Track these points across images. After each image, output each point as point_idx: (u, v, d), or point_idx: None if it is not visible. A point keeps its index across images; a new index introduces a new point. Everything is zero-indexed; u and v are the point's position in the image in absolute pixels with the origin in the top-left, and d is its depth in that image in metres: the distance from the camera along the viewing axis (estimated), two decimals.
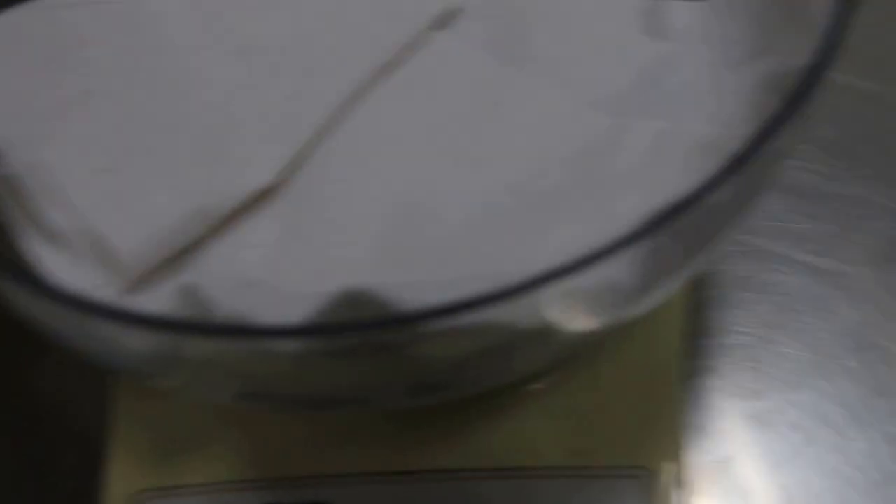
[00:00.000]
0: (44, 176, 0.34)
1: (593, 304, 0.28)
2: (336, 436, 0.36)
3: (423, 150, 0.35)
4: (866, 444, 0.38)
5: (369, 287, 0.29)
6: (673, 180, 0.33)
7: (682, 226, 0.27)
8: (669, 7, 0.37)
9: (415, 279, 0.32)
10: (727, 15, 0.37)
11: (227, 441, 0.36)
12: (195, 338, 0.26)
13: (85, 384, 0.38)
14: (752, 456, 0.38)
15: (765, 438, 0.38)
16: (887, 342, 0.40)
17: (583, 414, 0.36)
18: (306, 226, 0.34)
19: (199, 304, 0.31)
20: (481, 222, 0.33)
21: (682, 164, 0.33)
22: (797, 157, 0.43)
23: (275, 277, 0.33)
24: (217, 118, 0.35)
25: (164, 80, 0.36)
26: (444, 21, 0.37)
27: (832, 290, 0.41)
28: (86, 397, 0.39)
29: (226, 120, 0.35)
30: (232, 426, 0.36)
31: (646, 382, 0.36)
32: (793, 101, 0.28)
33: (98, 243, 0.33)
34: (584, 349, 0.35)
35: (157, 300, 0.32)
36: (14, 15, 0.37)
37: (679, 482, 0.35)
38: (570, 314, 0.28)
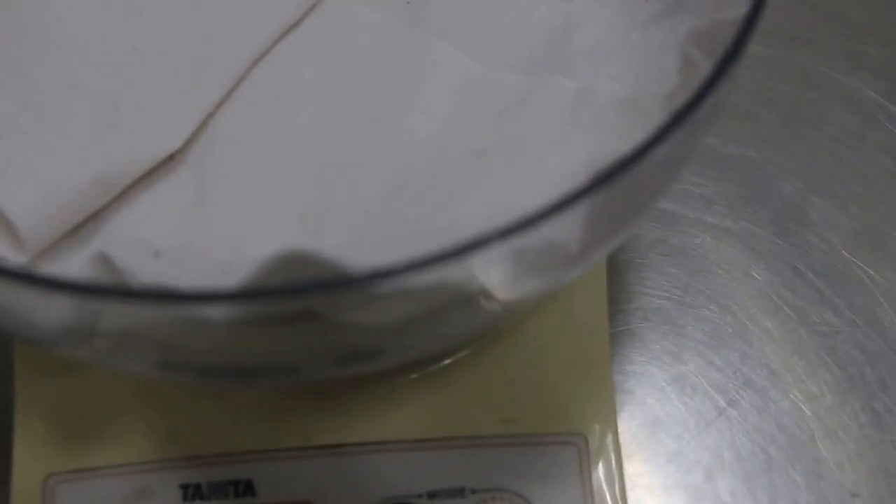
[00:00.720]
0: None
1: (537, 264, 0.27)
2: (256, 412, 0.34)
3: (334, 114, 0.33)
4: (788, 404, 0.38)
5: (309, 249, 0.27)
6: (592, 138, 0.32)
7: (630, 180, 0.26)
8: None
9: (345, 241, 0.31)
10: None
11: (140, 420, 0.34)
12: (129, 304, 0.24)
13: None
14: (677, 419, 0.38)
15: (689, 401, 0.38)
16: (802, 303, 0.40)
17: (514, 382, 0.34)
18: (219, 192, 0.32)
19: (113, 274, 0.29)
20: (402, 183, 0.32)
21: (600, 123, 0.33)
22: None
23: (193, 245, 0.31)
24: (113, 83, 0.33)
25: (53, 43, 0.33)
26: None
27: (744, 252, 0.41)
28: None
29: (122, 84, 0.33)
30: (145, 404, 0.34)
31: (576, 348, 0.35)
32: (730, 52, 0.27)
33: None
34: (517, 316, 0.34)
35: (68, 271, 0.30)
36: None
37: (614, 447, 0.34)
38: (517, 275, 0.27)
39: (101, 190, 0.31)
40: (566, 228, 0.24)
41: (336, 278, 0.23)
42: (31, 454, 0.34)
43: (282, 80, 0.34)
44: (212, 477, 0.33)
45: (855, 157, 0.43)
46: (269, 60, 0.34)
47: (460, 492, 0.33)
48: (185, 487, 0.33)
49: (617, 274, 0.39)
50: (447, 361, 0.35)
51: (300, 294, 0.24)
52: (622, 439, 0.36)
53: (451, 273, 0.24)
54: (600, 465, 0.33)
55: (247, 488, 0.33)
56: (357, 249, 0.27)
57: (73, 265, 0.30)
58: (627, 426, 0.37)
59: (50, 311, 0.24)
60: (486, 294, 0.26)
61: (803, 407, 0.38)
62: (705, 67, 0.28)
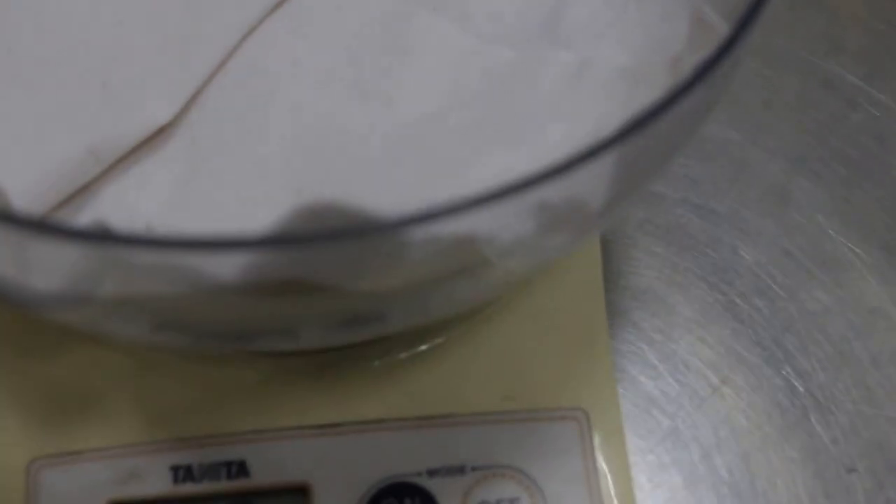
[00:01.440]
0: None
1: (558, 222, 0.27)
2: (250, 390, 0.33)
3: (328, 88, 0.33)
4: (781, 381, 0.38)
5: (332, 198, 0.26)
6: (596, 107, 0.32)
7: (653, 134, 0.25)
8: None
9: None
10: None
11: (128, 401, 0.33)
12: (142, 252, 0.23)
13: None
14: (671, 397, 0.37)
15: (682, 379, 0.37)
16: (791, 281, 0.40)
17: (513, 358, 0.34)
18: (211, 165, 0.31)
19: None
20: (401, 153, 0.32)
21: (603, 92, 0.33)
22: None
23: (185, 218, 0.30)
24: (100, 57, 0.32)
25: (39, 18, 0.33)
26: None
27: (731, 231, 0.41)
28: None
29: (110, 59, 0.32)
30: (133, 385, 0.33)
31: (575, 324, 0.35)
32: (748, 14, 0.27)
33: None
34: (520, 284, 0.34)
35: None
36: None
37: (615, 421, 0.33)
38: (537, 234, 0.26)
39: (93, 161, 0.31)
40: (592, 180, 0.24)
41: (366, 225, 0.23)
42: (13, 438, 0.32)
43: (273, 54, 0.33)
44: (203, 458, 0.33)
45: (837, 138, 0.43)
46: (260, 35, 0.34)
47: (460, 469, 0.32)
48: (175, 469, 0.32)
49: (605, 254, 0.39)
50: (444, 339, 0.34)
51: (327, 241, 0.23)
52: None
53: (476, 224, 0.23)
54: (602, 440, 0.33)
55: (240, 469, 0.32)
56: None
57: None
58: (621, 404, 0.36)
59: (58, 264, 0.23)
60: (505, 254, 0.26)
61: (796, 383, 0.38)
62: (719, 26, 0.28)
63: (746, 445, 0.36)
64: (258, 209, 0.31)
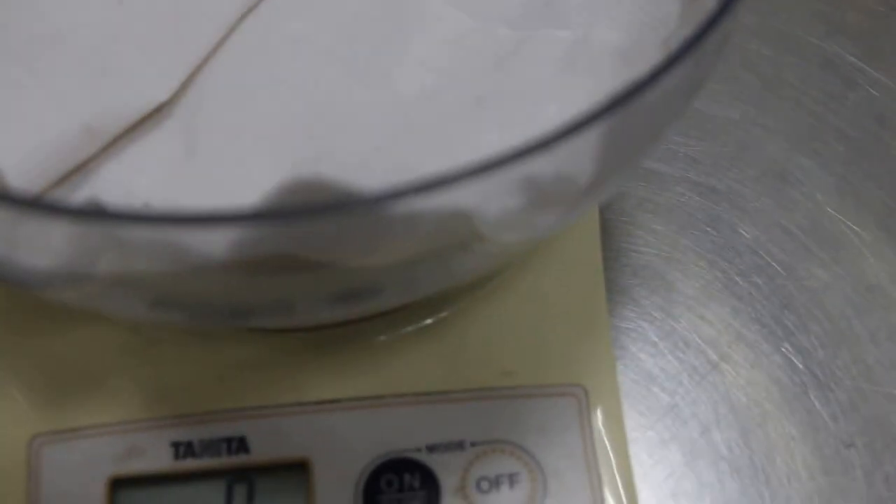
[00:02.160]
0: None
1: (546, 197, 0.27)
2: (249, 367, 0.33)
3: (325, 66, 0.33)
4: (780, 358, 0.38)
5: (317, 174, 0.26)
6: (590, 85, 0.32)
7: (645, 104, 0.25)
8: None
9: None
10: None
11: (128, 377, 0.33)
12: (133, 229, 0.23)
13: None
14: (671, 374, 0.37)
15: (682, 356, 0.38)
16: (790, 258, 0.40)
17: (512, 334, 0.34)
18: (209, 144, 0.31)
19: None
20: (398, 132, 0.32)
21: (598, 70, 0.33)
22: None
23: (182, 196, 0.30)
24: (99, 36, 0.32)
25: None
26: None
27: (731, 210, 0.41)
28: None
29: (109, 37, 0.32)
30: (134, 361, 0.33)
31: (574, 300, 0.35)
32: None
33: None
34: (517, 259, 0.34)
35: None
36: None
37: (613, 398, 0.33)
38: (526, 209, 0.26)
39: (90, 139, 0.30)
40: (579, 155, 0.24)
41: (348, 199, 0.23)
42: (16, 414, 0.33)
43: (271, 33, 0.33)
44: (204, 434, 0.33)
45: (836, 117, 0.44)
46: (258, 14, 0.34)
47: (459, 445, 0.33)
48: (176, 445, 0.33)
49: (605, 233, 0.39)
50: (444, 314, 0.34)
51: (311, 216, 0.23)
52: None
53: (463, 198, 0.23)
54: (600, 416, 0.33)
55: (240, 445, 0.33)
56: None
57: None
58: (622, 381, 0.36)
59: (52, 242, 0.23)
60: (495, 230, 0.26)
61: (795, 360, 0.38)
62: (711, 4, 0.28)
63: (745, 422, 0.37)
64: (256, 187, 0.31)
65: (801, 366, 0.38)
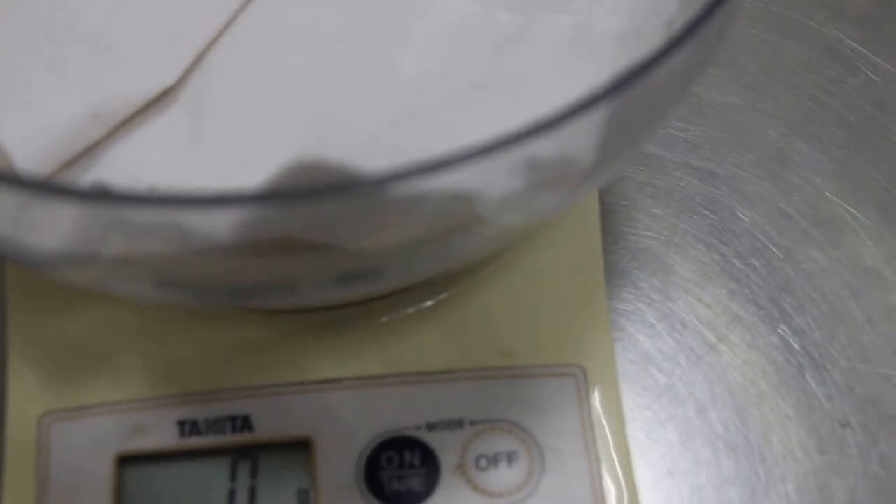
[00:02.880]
0: None
1: (549, 179, 0.27)
2: (254, 347, 0.34)
3: (329, 52, 0.33)
4: (777, 339, 0.38)
5: (320, 155, 0.27)
6: (592, 70, 0.32)
7: (642, 91, 0.26)
8: None
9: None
10: None
11: (136, 357, 0.33)
12: (138, 210, 0.23)
13: None
14: (668, 355, 0.38)
15: (679, 337, 0.38)
16: (788, 241, 0.40)
17: (512, 315, 0.35)
18: (214, 128, 0.32)
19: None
20: (400, 116, 0.32)
21: (599, 55, 0.33)
22: None
23: (188, 180, 0.31)
24: (106, 21, 0.33)
25: None
26: None
27: (730, 193, 0.42)
28: None
29: (116, 22, 0.33)
30: (141, 341, 0.34)
31: (573, 281, 0.35)
32: None
33: None
34: (519, 240, 0.34)
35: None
36: None
37: (611, 378, 0.34)
38: (528, 191, 0.27)
39: (97, 123, 0.31)
40: (581, 136, 0.25)
41: (350, 180, 0.23)
42: (26, 393, 0.33)
43: (276, 19, 0.34)
44: (209, 413, 0.33)
45: (836, 102, 0.44)
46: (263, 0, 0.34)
47: (459, 423, 0.33)
48: (181, 423, 0.33)
49: (604, 216, 0.39)
50: (445, 296, 0.35)
51: (313, 197, 0.23)
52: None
53: (464, 180, 0.24)
54: (598, 396, 0.34)
55: (244, 424, 0.33)
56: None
57: None
58: (619, 362, 0.37)
59: (58, 224, 0.24)
60: (496, 212, 0.26)
61: (791, 341, 0.38)
62: None
63: (742, 402, 0.37)
64: (260, 170, 0.31)
65: (797, 347, 0.38)
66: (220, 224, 0.24)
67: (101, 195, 0.24)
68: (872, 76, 0.45)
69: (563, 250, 0.35)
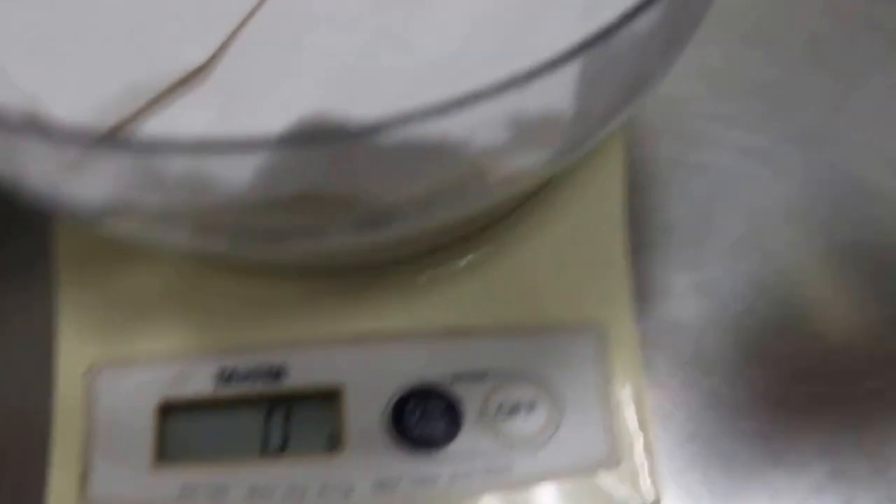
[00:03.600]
0: None
1: (536, 132, 0.28)
2: (290, 301, 0.36)
3: (353, 33, 0.34)
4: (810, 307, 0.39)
5: (325, 109, 0.28)
6: None
7: (619, 43, 0.27)
8: None
9: None
10: None
11: (178, 310, 0.35)
12: (174, 155, 0.25)
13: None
14: (697, 322, 0.39)
15: (710, 304, 0.39)
16: (823, 215, 0.41)
17: (535, 274, 0.36)
18: (240, 109, 0.33)
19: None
20: (418, 94, 0.33)
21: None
22: (718, 44, 0.44)
23: None
24: (137, 4, 0.34)
25: None
26: None
27: (765, 168, 0.42)
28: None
29: (147, 6, 0.34)
30: (183, 296, 0.36)
31: (594, 241, 0.36)
32: None
33: (37, 119, 0.32)
34: (526, 197, 0.35)
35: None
36: None
37: (630, 335, 0.35)
38: (517, 142, 0.28)
39: (132, 98, 0.32)
40: (560, 89, 0.26)
41: (347, 127, 0.25)
42: (74, 346, 0.35)
43: (304, 2, 0.35)
44: (246, 363, 0.35)
45: (876, 80, 0.44)
46: None
47: (482, 375, 0.34)
48: (220, 373, 0.35)
49: (639, 188, 0.41)
50: (471, 256, 0.36)
51: (316, 142, 0.25)
52: (644, 335, 0.37)
53: (454, 131, 0.25)
54: (618, 352, 0.35)
55: (279, 373, 0.35)
56: None
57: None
58: (648, 327, 0.38)
59: (98, 177, 0.26)
60: (488, 162, 0.28)
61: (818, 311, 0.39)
62: None
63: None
64: None
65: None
66: (238, 173, 0.26)
67: (134, 142, 0.25)
68: None
69: (585, 212, 0.36)
